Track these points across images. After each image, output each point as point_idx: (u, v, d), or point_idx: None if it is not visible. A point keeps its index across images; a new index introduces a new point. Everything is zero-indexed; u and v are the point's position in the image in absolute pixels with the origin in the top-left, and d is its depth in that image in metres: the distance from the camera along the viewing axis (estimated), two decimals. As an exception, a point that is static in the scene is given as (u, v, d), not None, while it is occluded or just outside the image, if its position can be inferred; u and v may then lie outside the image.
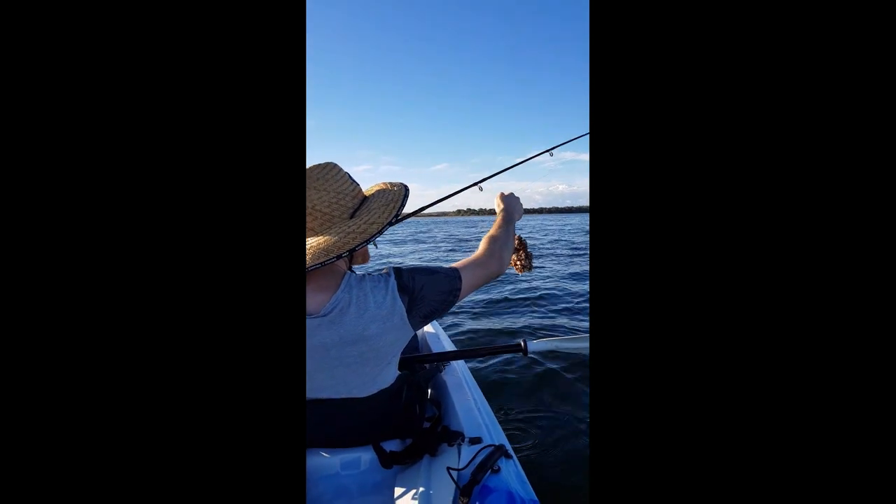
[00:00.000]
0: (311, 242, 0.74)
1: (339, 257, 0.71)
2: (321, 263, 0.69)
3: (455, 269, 0.83)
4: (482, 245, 0.95)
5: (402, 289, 0.76)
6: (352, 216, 0.79)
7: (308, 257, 0.71)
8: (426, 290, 0.77)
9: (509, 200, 1.09)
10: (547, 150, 1.67)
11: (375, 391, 0.82)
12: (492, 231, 0.99)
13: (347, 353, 0.75)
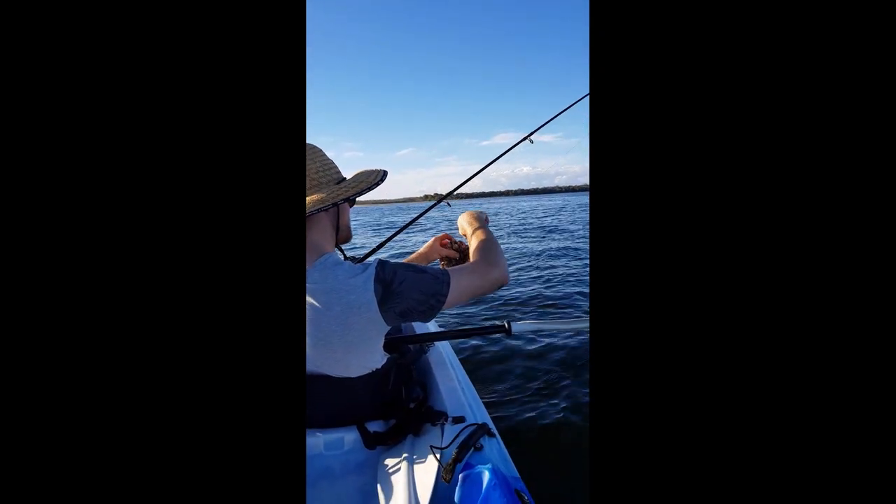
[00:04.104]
0: None
1: (334, 205, 0.76)
2: (317, 210, 0.74)
3: (445, 273, 0.80)
4: (475, 254, 0.90)
5: (379, 279, 0.75)
6: (338, 183, 0.84)
7: None
8: (405, 286, 0.76)
9: (473, 214, 1.06)
10: (550, 119, 1.69)
11: (357, 375, 0.82)
12: (479, 239, 0.93)
13: (311, 332, 0.75)
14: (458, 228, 1.09)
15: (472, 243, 0.95)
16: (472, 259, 0.90)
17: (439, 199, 1.63)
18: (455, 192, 1.73)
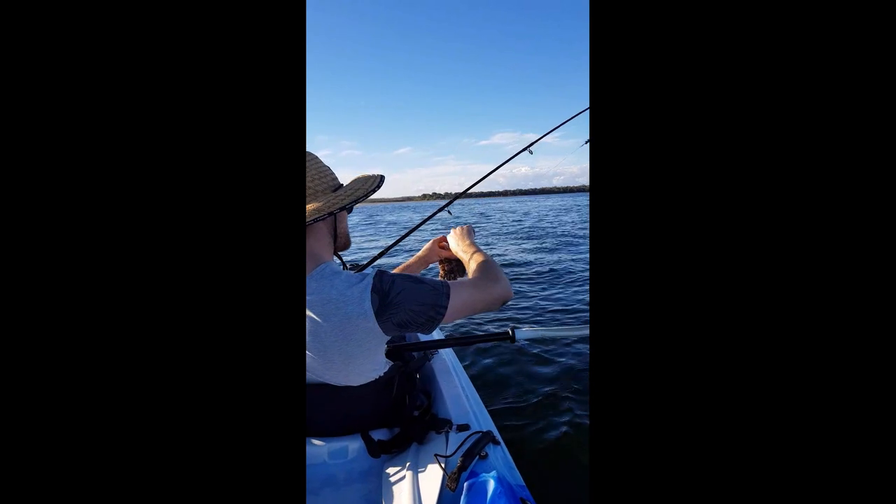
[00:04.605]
0: None
1: (330, 214, 0.74)
2: (313, 220, 0.73)
3: (446, 285, 0.79)
4: (475, 272, 0.90)
5: (376, 289, 0.74)
6: (334, 191, 0.83)
7: None
8: (403, 297, 0.74)
9: (464, 239, 1.06)
10: (552, 130, 1.75)
11: (358, 384, 0.82)
12: (478, 261, 0.93)
13: (310, 342, 0.75)
14: (452, 235, 1.10)
15: (471, 265, 0.95)
16: (477, 272, 0.90)
17: (443, 206, 1.64)
18: (455, 196, 1.76)
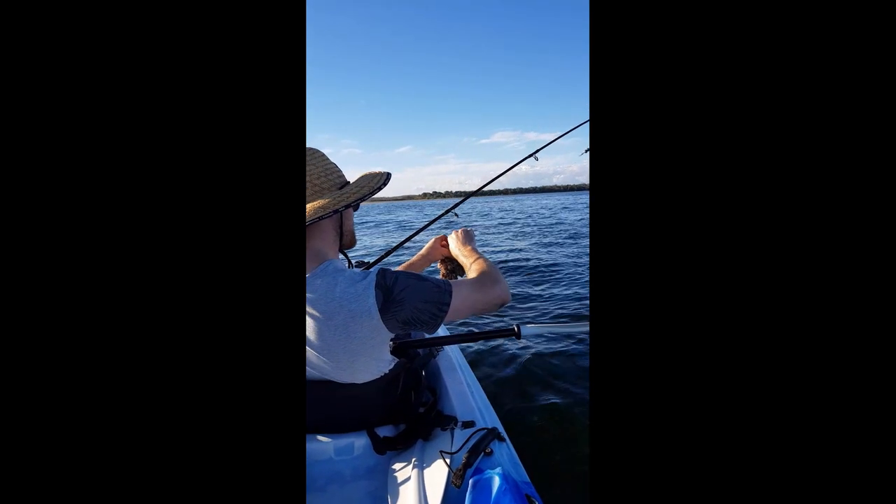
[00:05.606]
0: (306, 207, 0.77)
1: (336, 212, 0.76)
2: (318, 218, 0.74)
3: (448, 283, 0.79)
4: (477, 273, 0.90)
5: (380, 285, 0.74)
6: (340, 188, 0.83)
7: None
8: (407, 294, 0.74)
9: (465, 246, 1.05)
10: (558, 137, 1.78)
11: (363, 381, 0.82)
12: (478, 267, 0.93)
13: (314, 341, 0.76)
14: (452, 238, 1.10)
15: (472, 269, 0.95)
16: (477, 274, 0.90)
17: (449, 208, 1.66)
18: (456, 195, 1.79)
